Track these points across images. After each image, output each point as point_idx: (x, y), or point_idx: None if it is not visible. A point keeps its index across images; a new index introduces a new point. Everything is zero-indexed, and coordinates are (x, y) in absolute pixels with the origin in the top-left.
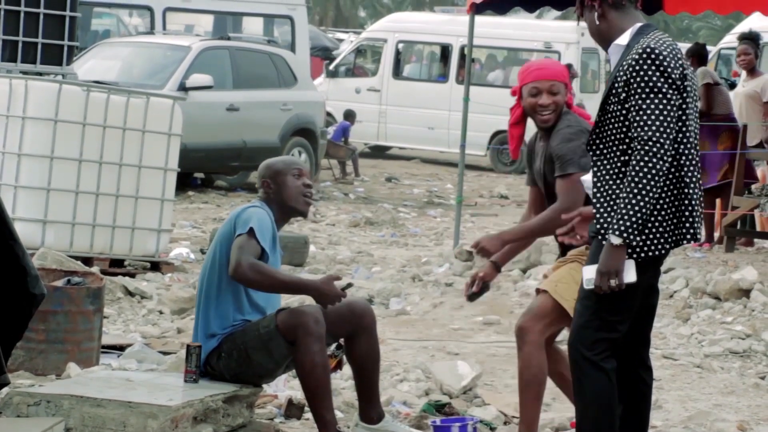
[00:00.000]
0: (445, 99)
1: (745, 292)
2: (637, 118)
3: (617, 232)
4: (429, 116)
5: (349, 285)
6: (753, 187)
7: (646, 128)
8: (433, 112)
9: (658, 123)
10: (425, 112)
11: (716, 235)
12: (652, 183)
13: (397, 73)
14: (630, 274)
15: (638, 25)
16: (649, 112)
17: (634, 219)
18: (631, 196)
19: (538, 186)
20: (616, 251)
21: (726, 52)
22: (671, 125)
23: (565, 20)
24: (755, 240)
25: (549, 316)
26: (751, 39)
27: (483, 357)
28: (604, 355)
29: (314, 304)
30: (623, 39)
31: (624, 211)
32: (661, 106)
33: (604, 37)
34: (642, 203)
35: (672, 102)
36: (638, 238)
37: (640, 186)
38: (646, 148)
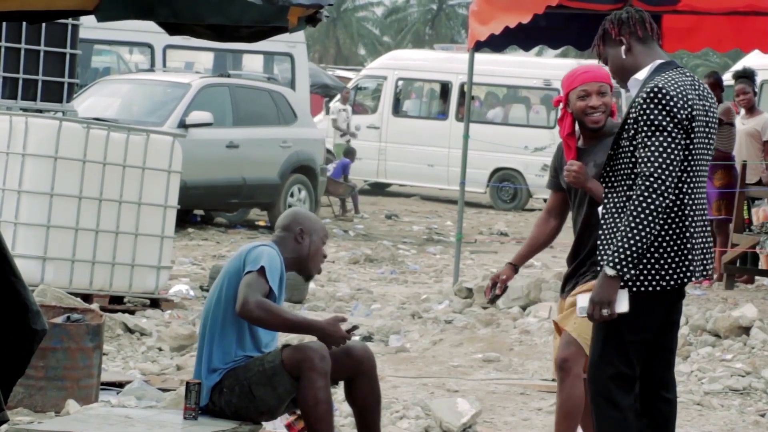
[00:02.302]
0: (445, 136)
1: (745, 330)
2: (642, 155)
3: (611, 263)
4: (429, 153)
5: (355, 327)
6: (753, 224)
7: (649, 164)
8: (432, 149)
9: (661, 160)
10: (425, 150)
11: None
12: (651, 218)
13: (396, 110)
14: (622, 305)
15: (658, 62)
16: (653, 149)
17: (629, 252)
18: (628, 229)
19: (562, 191)
20: (609, 282)
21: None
22: (675, 163)
23: (564, 58)
24: (755, 277)
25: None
26: (747, 77)
27: (482, 394)
28: (620, 391)
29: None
30: (642, 74)
31: (620, 243)
32: (665, 144)
33: (628, 71)
34: (638, 237)
35: (677, 141)
36: (633, 271)
37: (638, 220)
38: (647, 183)
